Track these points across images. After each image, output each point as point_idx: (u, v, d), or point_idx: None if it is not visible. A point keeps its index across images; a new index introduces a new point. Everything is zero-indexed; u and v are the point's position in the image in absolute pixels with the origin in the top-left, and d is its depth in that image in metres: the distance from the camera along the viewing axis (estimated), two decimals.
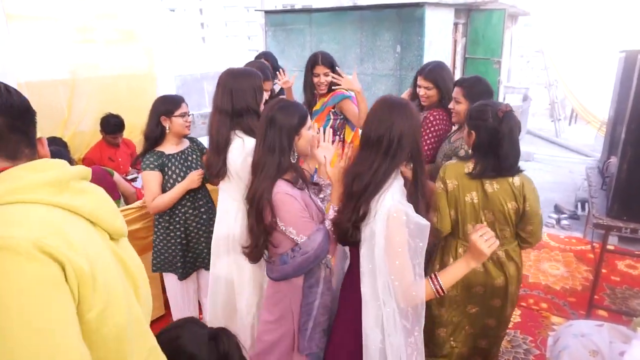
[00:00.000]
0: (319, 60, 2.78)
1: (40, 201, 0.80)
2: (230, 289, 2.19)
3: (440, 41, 5.92)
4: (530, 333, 2.83)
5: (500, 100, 7.46)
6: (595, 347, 1.64)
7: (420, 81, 2.55)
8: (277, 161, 1.65)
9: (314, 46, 6.17)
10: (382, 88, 5.83)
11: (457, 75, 7.23)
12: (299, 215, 1.64)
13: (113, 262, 0.91)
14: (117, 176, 2.86)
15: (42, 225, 0.76)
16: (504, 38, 6.79)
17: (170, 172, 2.27)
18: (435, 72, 2.50)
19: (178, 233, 2.36)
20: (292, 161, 1.71)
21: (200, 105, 10.27)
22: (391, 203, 1.46)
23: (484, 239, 1.44)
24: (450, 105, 2.38)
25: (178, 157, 2.32)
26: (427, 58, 5.61)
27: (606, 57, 6.46)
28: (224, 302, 2.23)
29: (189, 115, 2.32)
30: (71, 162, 2.75)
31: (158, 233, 2.38)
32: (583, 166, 6.85)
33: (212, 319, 2.26)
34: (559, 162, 6.83)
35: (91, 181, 2.83)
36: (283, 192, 1.64)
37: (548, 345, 1.86)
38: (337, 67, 2.79)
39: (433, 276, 1.49)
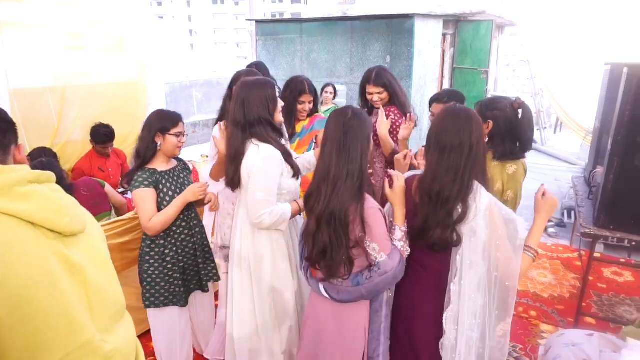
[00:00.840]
0: (306, 89, 2.78)
1: None
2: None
3: (429, 52, 6.00)
4: (520, 341, 2.87)
5: None
6: (586, 357, 1.67)
7: (370, 89, 2.72)
8: (359, 171, 1.59)
9: (305, 56, 6.21)
10: None
11: (446, 85, 7.32)
12: (384, 232, 1.62)
13: (47, 262, 0.98)
14: (108, 187, 2.84)
15: None
16: (492, 48, 6.92)
17: (165, 190, 2.15)
18: (382, 77, 2.70)
19: (176, 257, 2.22)
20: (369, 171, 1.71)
21: (188, 114, 10.20)
22: (489, 198, 1.57)
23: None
24: (432, 119, 2.58)
25: (171, 174, 2.21)
26: (417, 68, 5.69)
27: (591, 67, 6.61)
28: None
29: (184, 136, 2.21)
30: (61, 173, 2.73)
31: (152, 261, 2.18)
32: (568, 174, 6.96)
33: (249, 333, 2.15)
34: (544, 170, 6.94)
35: (83, 192, 2.77)
36: (375, 207, 1.61)
37: (539, 355, 1.89)
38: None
39: (526, 247, 1.60)
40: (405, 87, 5.65)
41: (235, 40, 46.92)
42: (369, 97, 2.76)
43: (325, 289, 1.69)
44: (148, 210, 2.08)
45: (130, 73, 4.24)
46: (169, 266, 2.20)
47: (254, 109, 1.95)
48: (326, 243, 1.59)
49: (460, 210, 1.55)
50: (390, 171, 1.76)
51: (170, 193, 2.17)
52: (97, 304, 1.08)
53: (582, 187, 3.58)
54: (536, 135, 9.60)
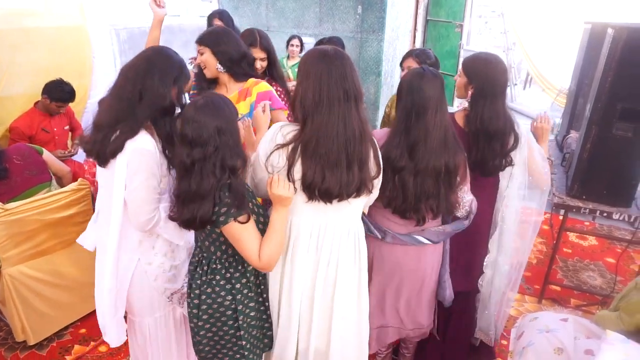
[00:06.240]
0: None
1: None
2: None
3: (402, 2, 5.67)
4: None
5: (460, 64, 7.37)
6: (560, 344, 1.61)
7: (255, 53, 2.41)
8: (449, 124, 1.76)
9: (270, 4, 5.77)
10: None
11: (419, 38, 7.04)
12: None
13: None
14: (46, 154, 2.53)
15: None
16: (467, 0, 6.63)
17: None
18: (268, 40, 2.50)
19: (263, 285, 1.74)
20: None
21: None
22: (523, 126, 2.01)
23: None
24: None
25: None
26: (389, 20, 5.37)
27: (567, 24, 6.44)
28: None
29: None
30: None
31: (250, 304, 1.65)
32: None
33: None
34: None
35: (16, 160, 2.47)
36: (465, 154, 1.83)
37: (511, 339, 1.83)
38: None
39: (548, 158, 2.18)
40: (377, 40, 5.35)
41: None
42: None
43: (424, 237, 1.87)
44: (254, 240, 1.50)
45: (75, 16, 3.72)
46: (261, 300, 1.71)
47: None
48: (431, 191, 1.74)
49: (512, 139, 1.93)
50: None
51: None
52: None
53: (554, 152, 3.50)
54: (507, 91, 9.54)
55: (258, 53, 2.41)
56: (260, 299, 1.68)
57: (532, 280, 3.17)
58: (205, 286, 1.58)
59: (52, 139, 3.40)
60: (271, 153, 1.53)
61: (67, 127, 3.53)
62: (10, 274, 2.34)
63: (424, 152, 1.68)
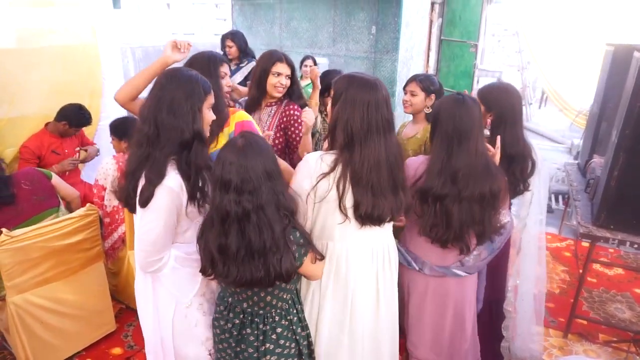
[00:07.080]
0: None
1: None
2: None
3: (417, 22, 5.63)
4: None
5: (474, 84, 7.29)
6: None
7: (281, 68, 2.34)
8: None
9: (284, 23, 5.78)
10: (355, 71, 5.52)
11: (433, 58, 7.00)
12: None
13: None
14: (55, 179, 2.48)
15: None
16: (481, 19, 6.57)
17: None
18: (290, 58, 2.42)
19: None
20: None
21: None
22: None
23: None
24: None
25: None
26: (403, 40, 5.32)
27: (584, 43, 6.34)
28: None
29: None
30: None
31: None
32: (554, 153, 6.80)
33: None
34: None
35: (24, 185, 2.42)
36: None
37: None
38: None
39: None
40: (391, 60, 5.30)
41: (214, 0, 44.91)
42: (275, 79, 2.31)
43: (458, 269, 1.82)
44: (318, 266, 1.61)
45: (86, 35, 3.70)
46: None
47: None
48: (477, 218, 1.70)
49: (530, 165, 2.00)
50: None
51: None
52: None
53: (577, 177, 3.38)
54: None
55: (285, 69, 2.34)
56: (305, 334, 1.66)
57: (556, 312, 3.01)
58: (267, 344, 1.50)
59: (62, 159, 3.36)
60: (317, 182, 1.55)
61: (78, 149, 3.50)
62: (15, 302, 2.27)
63: (468, 178, 1.67)
